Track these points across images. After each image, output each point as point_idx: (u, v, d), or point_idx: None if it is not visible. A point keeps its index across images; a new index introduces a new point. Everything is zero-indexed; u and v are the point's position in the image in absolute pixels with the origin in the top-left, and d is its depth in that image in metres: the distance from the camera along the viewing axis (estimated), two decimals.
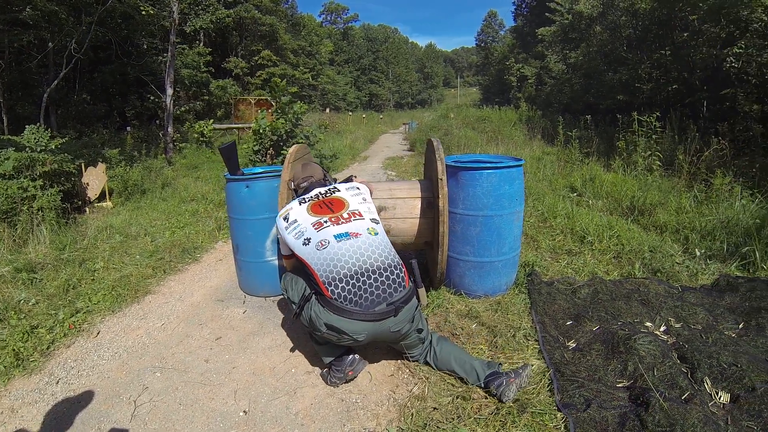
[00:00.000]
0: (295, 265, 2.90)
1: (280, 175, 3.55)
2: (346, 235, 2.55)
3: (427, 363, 2.78)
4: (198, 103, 18.68)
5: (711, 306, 3.41)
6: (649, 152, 7.32)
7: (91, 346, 3.25)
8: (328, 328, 2.41)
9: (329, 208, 2.74)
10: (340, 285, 2.39)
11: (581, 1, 16.71)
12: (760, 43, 8.29)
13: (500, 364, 2.64)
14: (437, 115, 23.70)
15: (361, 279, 2.40)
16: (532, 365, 2.68)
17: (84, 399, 2.66)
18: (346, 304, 2.37)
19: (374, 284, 2.41)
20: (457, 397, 2.49)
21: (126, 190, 8.04)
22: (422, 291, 2.68)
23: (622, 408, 2.26)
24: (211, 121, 15.41)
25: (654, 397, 2.23)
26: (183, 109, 16.75)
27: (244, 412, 2.50)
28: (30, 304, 3.73)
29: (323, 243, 2.52)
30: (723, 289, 3.70)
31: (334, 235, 2.55)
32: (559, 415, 2.28)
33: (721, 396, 2.36)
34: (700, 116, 10.25)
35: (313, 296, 2.51)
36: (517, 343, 2.99)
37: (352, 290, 2.38)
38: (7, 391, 2.74)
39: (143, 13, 12.75)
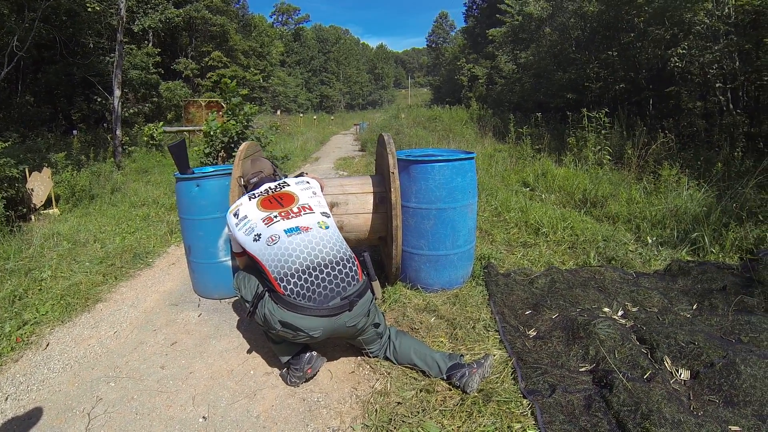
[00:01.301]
0: (247, 263, 2.84)
1: (230, 173, 3.46)
2: (297, 230, 2.51)
3: (387, 358, 2.76)
4: (147, 105, 18.15)
5: (665, 290, 3.54)
6: (599, 147, 7.53)
7: (41, 358, 3.09)
8: (282, 326, 2.36)
9: (279, 202, 2.69)
10: (293, 280, 2.34)
11: (531, 3, 17.10)
12: (702, 44, 8.69)
13: (461, 355, 2.63)
14: (388, 115, 23.77)
15: (314, 273, 2.36)
16: (494, 355, 2.70)
17: (35, 415, 2.51)
18: (300, 300, 2.32)
19: (327, 278, 2.37)
20: (420, 391, 2.47)
21: (73, 195, 7.72)
22: (376, 284, 2.65)
23: (586, 391, 2.31)
24: (161, 123, 14.98)
25: (617, 378, 2.28)
26: (132, 111, 16.26)
27: (204, 417, 2.41)
28: None
29: (273, 238, 2.47)
30: (675, 273, 3.85)
31: (285, 230, 2.50)
32: (524, 402, 2.30)
33: (681, 373, 2.44)
34: (647, 113, 10.66)
35: (266, 294, 2.46)
36: (477, 335, 3.00)
37: (305, 285, 2.34)
38: None
39: (89, 9, 12.25)
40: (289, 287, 2.33)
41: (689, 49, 8.91)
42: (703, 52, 8.60)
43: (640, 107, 11.12)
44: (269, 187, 2.82)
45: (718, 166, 5.84)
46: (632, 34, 11.16)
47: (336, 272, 2.39)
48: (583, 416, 2.14)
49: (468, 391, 2.37)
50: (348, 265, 2.45)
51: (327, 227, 2.59)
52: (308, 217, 2.61)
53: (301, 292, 2.32)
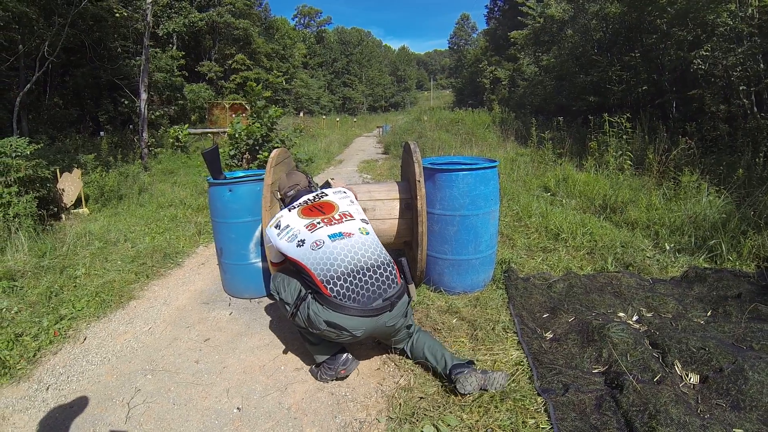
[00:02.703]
0: (285, 267, 2.97)
1: (262, 179, 3.61)
2: (340, 235, 2.65)
3: (403, 351, 2.90)
4: (172, 107, 18.48)
5: (680, 296, 3.60)
6: (620, 152, 7.54)
7: (79, 351, 3.25)
8: (328, 326, 2.49)
9: (320, 210, 2.83)
10: (339, 283, 2.48)
11: (552, 6, 17.05)
12: (725, 46, 8.59)
13: (472, 361, 2.67)
14: (411, 117, 23.81)
15: (357, 276, 2.50)
16: (507, 370, 2.75)
17: (76, 404, 2.67)
18: (345, 301, 2.46)
19: (370, 281, 2.51)
20: (442, 387, 2.60)
21: (102, 196, 7.98)
22: (412, 287, 2.78)
23: (598, 391, 2.41)
24: (186, 126, 15.27)
25: (628, 380, 2.38)
26: (158, 113, 16.57)
27: (238, 408, 2.57)
28: (12, 312, 3.70)
29: (318, 243, 2.60)
30: (692, 280, 3.90)
31: (329, 235, 2.64)
32: (539, 399, 2.41)
33: (691, 377, 2.52)
34: (670, 116, 10.56)
35: (309, 296, 2.58)
36: (497, 336, 3.12)
37: (350, 287, 2.48)
38: None
39: (117, 15, 12.56)
40: (335, 289, 2.47)
41: (712, 51, 8.82)
42: (727, 54, 8.52)
43: (663, 110, 11.02)
44: (308, 199, 2.96)
45: (740, 172, 5.82)
46: (654, 36, 11.06)
47: (378, 275, 2.54)
48: (594, 415, 2.25)
49: (458, 389, 2.43)
50: (388, 269, 2.60)
51: (367, 233, 2.74)
52: (350, 223, 2.75)
53: (347, 294, 2.46)
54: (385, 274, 2.56)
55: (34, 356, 3.17)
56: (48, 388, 2.83)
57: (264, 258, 3.81)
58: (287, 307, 2.72)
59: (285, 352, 3.17)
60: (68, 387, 2.84)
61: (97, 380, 2.90)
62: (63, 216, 6.93)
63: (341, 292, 2.46)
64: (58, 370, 3.02)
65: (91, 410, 2.61)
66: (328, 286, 2.48)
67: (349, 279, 2.48)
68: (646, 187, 6.35)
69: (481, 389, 2.47)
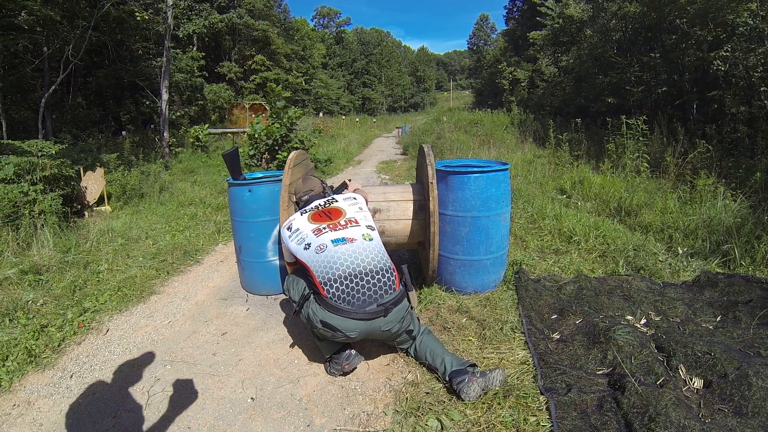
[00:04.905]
0: (297, 267, 3.09)
1: (280, 180, 3.73)
2: (342, 240, 2.74)
3: (407, 353, 2.98)
4: (192, 107, 18.75)
5: (691, 300, 3.59)
6: (637, 154, 7.50)
7: (102, 342, 3.40)
8: (323, 325, 2.59)
9: (328, 216, 2.94)
10: (335, 285, 2.57)
11: (571, 6, 16.92)
12: (746, 46, 8.46)
13: (474, 364, 2.70)
14: (430, 118, 23.87)
15: (354, 280, 2.59)
16: (512, 369, 2.81)
17: (99, 391, 2.82)
18: (340, 303, 2.55)
19: (366, 285, 2.59)
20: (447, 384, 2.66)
21: (124, 194, 8.16)
22: (413, 294, 2.85)
23: (600, 392, 2.46)
24: (206, 125, 15.50)
25: (630, 382, 2.42)
26: (178, 113, 16.82)
27: (252, 398, 2.68)
28: (38, 304, 3.86)
29: (321, 247, 2.71)
30: (703, 284, 3.88)
31: (332, 240, 2.74)
32: (541, 398, 2.47)
33: (694, 382, 2.54)
34: (690, 118, 10.43)
35: (312, 296, 2.69)
36: (504, 335, 3.18)
37: (346, 290, 2.56)
38: (21, 385, 2.88)
39: (138, 18, 12.83)
40: (332, 291, 2.57)
41: (733, 51, 8.68)
42: (747, 55, 8.38)
43: (683, 111, 10.86)
44: (319, 204, 3.08)
45: (757, 176, 5.75)
46: (674, 36, 10.91)
47: (375, 281, 2.61)
48: (595, 415, 2.29)
49: (463, 398, 2.47)
50: (387, 275, 2.66)
51: (371, 239, 2.82)
52: (354, 229, 2.84)
53: (342, 296, 2.55)
54: (382, 280, 2.63)
55: (58, 346, 3.32)
56: (72, 376, 2.98)
57: (281, 256, 3.92)
58: (294, 304, 2.85)
59: (299, 346, 3.27)
60: (91, 375, 2.98)
61: (119, 370, 3.03)
62: (86, 213, 7.11)
63: (337, 294, 2.56)
64: (81, 360, 3.17)
65: (113, 397, 2.75)
66: (326, 288, 2.58)
67: (345, 282, 2.57)
68: (662, 190, 6.32)
69: (482, 391, 2.52)
